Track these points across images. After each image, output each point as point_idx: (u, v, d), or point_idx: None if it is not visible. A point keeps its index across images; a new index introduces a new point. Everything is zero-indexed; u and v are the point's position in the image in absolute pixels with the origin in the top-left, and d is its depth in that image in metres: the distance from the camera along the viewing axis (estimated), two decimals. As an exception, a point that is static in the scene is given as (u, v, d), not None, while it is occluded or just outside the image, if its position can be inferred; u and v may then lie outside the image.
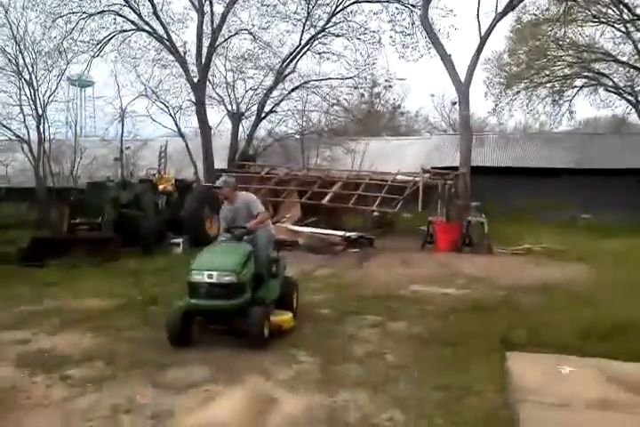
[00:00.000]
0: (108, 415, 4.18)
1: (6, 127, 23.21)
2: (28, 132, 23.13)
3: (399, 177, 20.52)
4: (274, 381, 4.86)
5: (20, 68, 22.62)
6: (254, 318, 5.75)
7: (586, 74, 28.63)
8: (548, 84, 28.98)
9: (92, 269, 10.68)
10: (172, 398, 4.47)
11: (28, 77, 22.72)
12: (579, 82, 29.67)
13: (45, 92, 23.14)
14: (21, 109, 23.01)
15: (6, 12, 22.00)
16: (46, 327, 6.66)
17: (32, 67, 22.77)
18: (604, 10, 24.90)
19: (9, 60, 22.63)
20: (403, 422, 4.07)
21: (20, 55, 22.55)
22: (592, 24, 26.10)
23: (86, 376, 4.99)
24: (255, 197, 7.04)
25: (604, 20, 25.54)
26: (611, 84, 28.82)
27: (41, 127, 22.88)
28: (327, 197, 18.53)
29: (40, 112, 22.81)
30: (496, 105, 29.96)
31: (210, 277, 5.76)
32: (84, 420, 4.12)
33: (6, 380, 4.93)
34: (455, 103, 30.82)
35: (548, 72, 28.11)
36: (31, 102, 22.78)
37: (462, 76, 19.28)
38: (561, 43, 26.76)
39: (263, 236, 6.80)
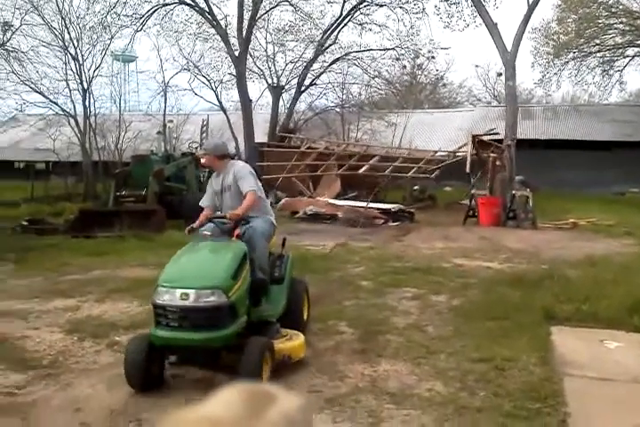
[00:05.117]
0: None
1: (53, 102, 23.73)
2: (74, 107, 23.63)
3: (439, 154, 20.22)
4: (314, 350, 4.92)
5: (66, 43, 22.97)
6: (251, 355, 3.97)
7: (639, 42, 27.44)
8: (599, 54, 27.96)
9: (137, 240, 10.90)
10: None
11: (73, 52, 23.07)
12: (631, 51, 28.55)
13: (90, 66, 23.52)
14: (67, 84, 23.47)
15: (52, -13, 22.27)
16: (94, 295, 6.85)
17: (77, 41, 23.12)
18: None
19: (55, 35, 23.00)
20: (443, 393, 4.06)
21: (66, 30, 22.89)
22: (648, -12, 24.94)
23: (133, 343, 5.12)
24: (249, 169, 5.08)
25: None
26: (665, 52, 27.62)
27: (87, 102, 23.29)
28: (364, 168, 18.40)
29: (85, 87, 23.19)
30: (543, 76, 29.16)
31: (184, 297, 3.96)
32: (131, 384, 4.23)
33: (57, 344, 5.12)
34: (500, 74, 30.04)
35: (598, 41, 27.08)
36: (77, 77, 23.18)
37: (509, 46, 18.71)
38: (613, 10, 25.68)
39: (260, 228, 4.87)
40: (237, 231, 4.73)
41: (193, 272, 4.24)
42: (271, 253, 5.15)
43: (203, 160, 5.15)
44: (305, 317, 5.31)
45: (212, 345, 4.08)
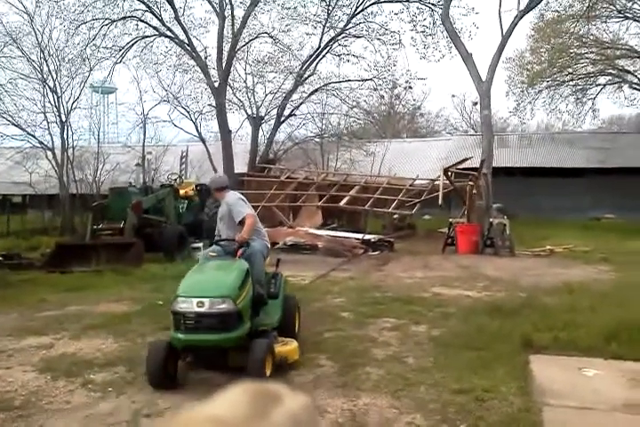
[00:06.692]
0: (128, 420, 4.21)
1: (31, 135, 23.57)
2: (52, 140, 23.45)
3: (417, 182, 20.42)
4: (293, 385, 4.85)
5: (45, 76, 22.93)
6: (257, 353, 4.77)
7: (610, 71, 28.29)
8: (571, 83, 28.69)
9: (114, 274, 10.76)
10: (192, 402, 4.50)
11: (52, 85, 23.03)
12: (602, 79, 29.39)
13: (69, 99, 23.45)
14: (45, 117, 23.35)
15: (31, 20, 22.36)
16: (70, 332, 6.71)
17: (56, 74, 23.09)
18: (629, 4, 24.62)
19: (34, 67, 22.99)
20: (423, 426, 4.03)
21: (45, 62, 22.86)
22: (616, 20, 25.83)
23: (108, 381, 5.02)
24: (238, 197, 6.01)
25: (629, 15, 25.24)
26: (635, 80, 28.41)
27: (64, 134, 23.19)
28: (344, 200, 18.53)
29: (64, 119, 23.11)
30: (518, 104, 29.76)
31: (200, 305, 4.78)
32: (105, 424, 4.14)
33: (29, 384, 4.99)
34: (476, 103, 30.67)
35: (570, 70, 27.83)
36: (55, 109, 23.10)
37: (483, 76, 19.12)
38: (584, 40, 26.48)
39: (258, 248, 5.75)
40: (240, 252, 5.53)
41: (206, 284, 5.09)
42: (267, 272, 5.96)
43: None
44: (297, 327, 6.10)
45: (224, 345, 4.92)
